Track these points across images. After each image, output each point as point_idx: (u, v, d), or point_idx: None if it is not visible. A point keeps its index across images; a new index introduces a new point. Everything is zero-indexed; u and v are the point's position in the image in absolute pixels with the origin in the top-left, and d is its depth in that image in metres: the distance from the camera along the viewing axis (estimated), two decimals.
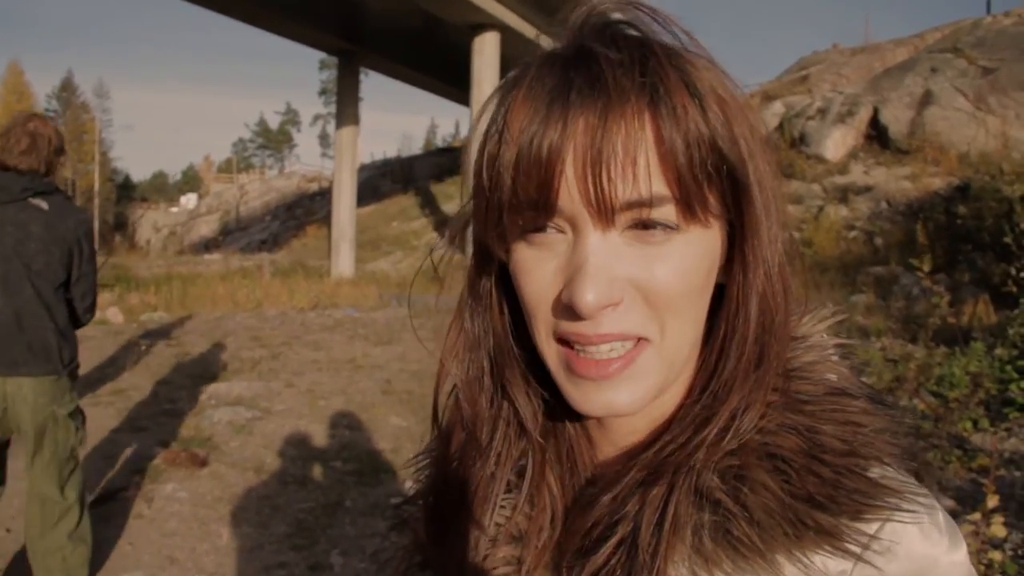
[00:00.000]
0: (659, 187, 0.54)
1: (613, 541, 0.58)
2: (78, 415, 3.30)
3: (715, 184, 0.56)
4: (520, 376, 0.67)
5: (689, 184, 0.54)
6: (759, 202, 0.57)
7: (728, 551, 0.55)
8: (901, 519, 0.54)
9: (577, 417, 0.66)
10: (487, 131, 0.59)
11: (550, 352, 0.60)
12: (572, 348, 0.58)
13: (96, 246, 3.37)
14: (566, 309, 0.56)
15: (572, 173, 0.54)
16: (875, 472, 0.56)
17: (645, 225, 0.55)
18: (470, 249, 0.67)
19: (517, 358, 0.67)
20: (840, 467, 0.56)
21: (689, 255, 0.56)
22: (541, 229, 0.57)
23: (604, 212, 0.54)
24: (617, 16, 0.59)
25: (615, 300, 0.55)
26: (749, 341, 0.58)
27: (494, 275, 0.65)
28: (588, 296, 0.54)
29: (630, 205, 0.54)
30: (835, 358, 0.65)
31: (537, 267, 0.58)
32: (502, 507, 0.66)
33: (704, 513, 0.56)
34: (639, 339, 0.57)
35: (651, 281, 0.56)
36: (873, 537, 0.54)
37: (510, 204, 0.57)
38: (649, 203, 0.54)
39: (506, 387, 0.67)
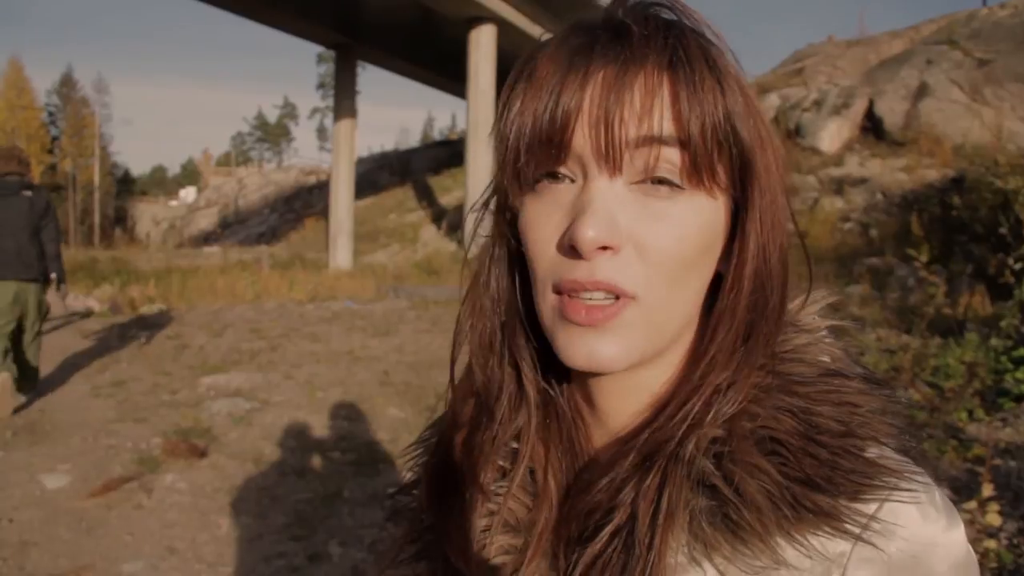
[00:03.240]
0: (670, 133, 0.55)
1: (609, 528, 0.58)
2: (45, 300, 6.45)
3: (724, 158, 0.57)
4: (525, 344, 0.67)
5: (699, 147, 0.55)
6: (763, 184, 0.59)
7: (726, 535, 0.55)
8: (900, 499, 0.54)
9: (572, 398, 0.67)
10: (511, 86, 0.61)
11: (546, 305, 0.60)
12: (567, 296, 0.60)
13: (55, 214, 6.35)
14: (567, 251, 0.57)
15: (587, 117, 0.56)
16: (872, 452, 0.56)
17: (652, 182, 0.57)
18: (475, 236, 0.69)
19: (524, 325, 0.67)
20: (837, 448, 0.56)
21: (689, 221, 0.57)
22: (554, 176, 0.59)
23: (613, 156, 0.56)
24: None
25: (614, 243, 0.56)
26: (737, 320, 0.59)
27: (509, 241, 0.66)
28: (589, 232, 0.55)
29: (639, 142, 0.56)
30: (828, 339, 0.65)
31: (544, 218, 0.60)
32: (496, 495, 0.66)
33: (701, 498, 0.56)
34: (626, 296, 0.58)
35: (648, 236, 0.57)
36: (872, 517, 0.54)
37: (528, 145, 0.59)
38: (660, 139, 0.55)
39: (513, 353, 0.67)
